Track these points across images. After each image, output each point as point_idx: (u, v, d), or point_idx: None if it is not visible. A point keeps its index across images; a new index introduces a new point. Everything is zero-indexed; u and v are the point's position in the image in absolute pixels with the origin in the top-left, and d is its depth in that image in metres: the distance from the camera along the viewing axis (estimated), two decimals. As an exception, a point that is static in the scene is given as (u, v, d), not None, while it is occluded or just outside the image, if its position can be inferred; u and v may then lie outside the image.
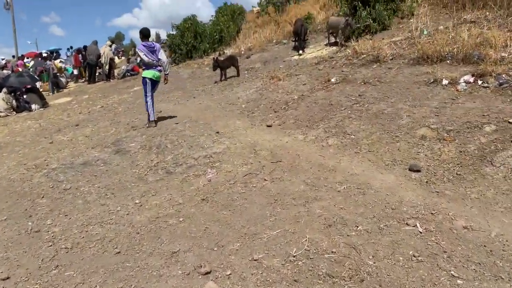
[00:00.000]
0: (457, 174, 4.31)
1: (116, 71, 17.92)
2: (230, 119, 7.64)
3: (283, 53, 13.76)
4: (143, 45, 7.19)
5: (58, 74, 16.86)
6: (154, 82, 7.54)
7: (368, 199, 4.00)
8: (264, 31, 16.85)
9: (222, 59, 13.34)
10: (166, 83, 7.97)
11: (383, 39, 10.91)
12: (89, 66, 16.84)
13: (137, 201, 4.73)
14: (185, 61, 17.08)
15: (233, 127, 7.01)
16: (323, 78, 8.67)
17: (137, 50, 7.64)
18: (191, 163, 5.61)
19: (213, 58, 12.51)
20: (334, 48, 12.27)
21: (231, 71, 12.58)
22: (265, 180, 4.72)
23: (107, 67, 16.96)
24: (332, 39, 13.00)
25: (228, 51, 16.80)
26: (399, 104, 6.23)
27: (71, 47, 22.47)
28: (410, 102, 6.19)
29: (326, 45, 13.03)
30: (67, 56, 21.16)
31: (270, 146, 5.84)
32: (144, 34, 7.24)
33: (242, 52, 15.58)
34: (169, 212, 4.33)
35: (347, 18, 11.66)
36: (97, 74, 17.58)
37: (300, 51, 12.71)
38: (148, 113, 7.74)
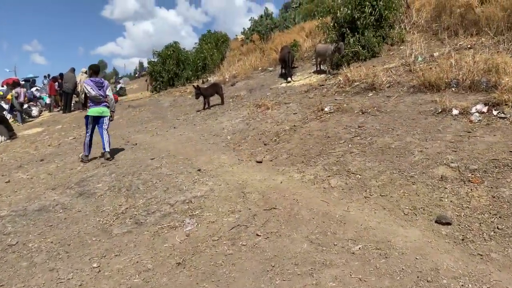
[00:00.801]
0: (497, 228, 3.39)
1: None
2: (214, 153, 6.66)
3: (269, 80, 13.00)
4: (91, 80, 7.06)
5: (23, 103, 15.67)
6: (99, 118, 7.24)
7: (393, 266, 3.03)
8: (249, 58, 16.17)
9: (205, 86, 12.52)
10: (112, 120, 7.58)
11: (374, 66, 10.24)
12: (65, 95, 15.73)
13: (95, 265, 3.64)
14: (166, 89, 16.24)
15: (217, 163, 6.02)
16: (315, 107, 7.84)
17: (84, 84, 7.17)
18: (166, 211, 4.57)
19: (194, 85, 11.64)
20: (323, 76, 11.56)
21: (215, 99, 11.72)
22: (257, 235, 3.71)
23: (83, 95, 15.88)
24: (320, 67, 12.34)
25: (212, 79, 16.01)
26: (406, 137, 5.37)
27: (48, 75, 21.32)
28: (419, 135, 5.34)
29: (313, 72, 12.34)
30: (43, 84, 19.97)
31: (262, 187, 4.86)
32: (94, 70, 7.26)
33: (227, 80, 14.79)
34: (133, 282, 3.27)
35: (337, 42, 11.02)
36: (73, 102, 16.48)
37: (288, 79, 11.96)
38: (84, 148, 7.45)
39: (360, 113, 6.71)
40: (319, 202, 4.27)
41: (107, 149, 7.19)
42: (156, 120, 11.36)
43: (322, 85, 9.78)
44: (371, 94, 7.71)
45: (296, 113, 7.92)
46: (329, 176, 4.87)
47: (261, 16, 20.41)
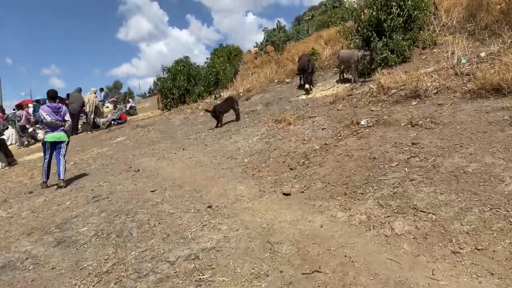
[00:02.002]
0: None
1: (102, 120, 15.78)
2: (228, 181, 5.29)
3: (287, 93, 11.66)
4: (48, 106, 6.84)
5: (25, 125, 14.74)
6: (56, 144, 6.94)
7: None
8: (263, 71, 14.90)
9: (218, 102, 11.33)
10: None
11: (406, 72, 8.85)
12: (71, 116, 14.62)
13: None
14: (177, 106, 15.08)
15: (233, 197, 4.64)
16: (348, 120, 6.45)
17: (40, 110, 6.91)
18: (163, 272, 3.19)
19: (207, 109, 10.45)
20: (348, 85, 10.17)
21: (228, 115, 10.46)
22: (299, 327, 2.31)
23: (92, 115, 14.83)
24: (343, 75, 10.98)
25: (225, 94, 14.77)
26: (485, 156, 3.92)
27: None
28: (502, 153, 3.89)
29: (336, 82, 10.98)
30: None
31: (295, 234, 3.45)
32: (50, 96, 6.99)
33: (241, 94, 13.53)
34: None
35: (369, 50, 9.69)
36: (80, 124, 15.44)
37: (306, 86, 10.63)
38: (42, 175, 7.20)
39: (409, 126, 5.27)
40: (384, 261, 2.84)
41: (62, 177, 6.83)
42: (165, 141, 10.11)
43: (350, 95, 8.39)
44: (415, 103, 6.28)
45: (325, 129, 6.53)
46: (388, 217, 3.43)
47: (274, 29, 19.37)
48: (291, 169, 5.21)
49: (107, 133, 13.44)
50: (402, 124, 5.40)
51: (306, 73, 10.61)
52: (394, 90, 7.21)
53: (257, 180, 5.12)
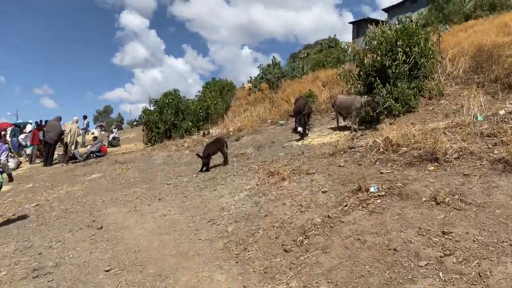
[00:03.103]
0: None
1: (81, 150, 14.52)
2: (205, 264, 4.11)
3: (280, 136, 10.69)
4: None
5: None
6: None
7: None
8: (256, 109, 14.02)
9: (206, 143, 10.29)
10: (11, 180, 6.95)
11: (412, 124, 7.97)
12: (46, 145, 13.41)
13: None
14: (162, 141, 13.95)
15: (208, 292, 3.48)
16: (353, 183, 5.41)
17: None
18: None
19: (198, 154, 9.34)
20: (346, 133, 9.26)
21: (216, 157, 9.38)
22: None
23: (73, 146, 13.61)
24: (342, 122, 10.09)
25: (214, 131, 13.76)
26: (550, 267, 2.86)
27: (41, 121, 19.16)
28: None
29: (334, 128, 10.07)
30: (28, 132, 17.75)
31: None
32: None
33: (231, 133, 12.51)
34: None
35: (374, 95, 8.80)
36: (57, 154, 14.20)
37: (299, 129, 9.62)
38: None
39: (433, 203, 4.23)
40: None
41: None
42: (142, 184, 8.91)
43: (352, 148, 7.39)
44: (432, 168, 5.28)
45: (326, 192, 5.45)
46: None
47: (269, 65, 18.75)
48: (285, 251, 4.07)
49: (83, 168, 12.17)
50: (424, 199, 4.36)
51: (302, 117, 9.65)
52: (405, 149, 6.23)
53: (242, 266, 3.95)
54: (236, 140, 11.50)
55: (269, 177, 6.88)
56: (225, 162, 9.18)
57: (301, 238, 4.23)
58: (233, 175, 7.85)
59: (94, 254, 4.77)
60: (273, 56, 24.08)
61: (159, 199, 7.14)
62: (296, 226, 4.58)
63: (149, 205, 6.87)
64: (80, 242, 5.38)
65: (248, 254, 4.14)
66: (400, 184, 4.94)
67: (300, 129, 9.60)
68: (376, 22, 27.06)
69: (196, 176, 8.62)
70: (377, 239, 3.77)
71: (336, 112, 9.94)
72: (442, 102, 9.15)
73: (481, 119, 6.85)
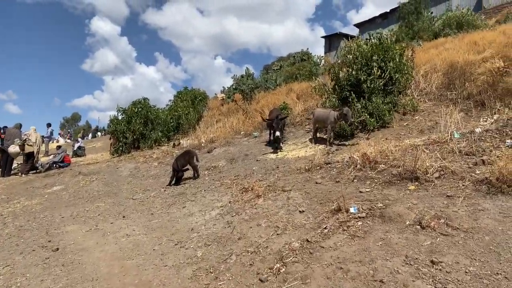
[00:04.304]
0: None
1: (42, 159, 13.62)
2: (171, 296, 3.65)
3: (254, 148, 10.35)
4: None
5: None
6: None
7: None
8: (230, 120, 13.71)
9: (176, 155, 9.82)
10: None
11: (387, 139, 7.85)
12: (5, 154, 12.44)
13: None
14: (129, 152, 13.33)
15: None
16: (332, 202, 5.10)
17: None
18: None
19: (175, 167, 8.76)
20: (322, 147, 9.05)
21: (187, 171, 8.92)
22: None
23: (39, 155, 12.73)
24: (316, 135, 9.87)
25: (185, 142, 13.26)
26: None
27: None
28: None
29: (310, 141, 9.85)
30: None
31: None
32: None
33: (203, 144, 12.12)
34: None
35: (342, 108, 8.64)
36: (16, 164, 13.22)
37: (277, 133, 9.30)
38: None
39: (418, 227, 3.95)
40: None
41: None
42: (106, 198, 8.29)
43: (329, 163, 7.12)
44: (413, 187, 5.05)
45: (303, 212, 5.11)
46: None
47: (242, 76, 18.54)
48: (261, 280, 3.66)
49: (44, 179, 11.33)
50: (408, 223, 4.07)
51: (280, 121, 9.35)
52: (383, 166, 6.00)
53: (213, 299, 3.51)
54: (208, 152, 11.11)
55: (243, 193, 6.49)
56: (196, 176, 8.76)
57: (278, 265, 3.83)
58: (204, 190, 7.42)
59: (45, 283, 4.18)
60: (247, 67, 23.92)
61: (123, 216, 6.58)
62: (273, 251, 4.18)
63: (112, 223, 6.30)
64: (31, 266, 4.76)
65: (220, 285, 3.69)
66: (381, 205, 4.66)
67: (278, 133, 9.24)
68: (347, 37, 27.46)
69: (164, 190, 8.13)
70: (361, 269, 3.43)
71: (314, 125, 9.71)
72: (416, 118, 9.10)
73: (458, 136, 6.75)
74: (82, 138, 20.47)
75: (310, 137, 9.92)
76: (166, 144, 13.97)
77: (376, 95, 9.17)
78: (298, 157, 8.64)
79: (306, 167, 7.18)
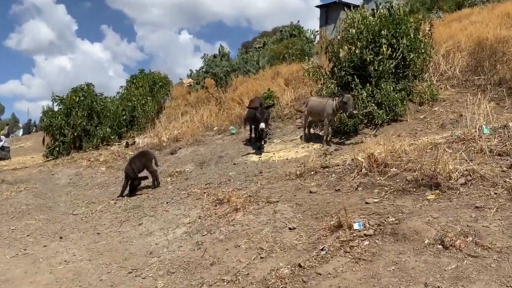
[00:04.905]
0: None
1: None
2: None
3: (231, 149, 10.38)
4: None
5: None
6: None
7: None
8: (199, 112, 13.88)
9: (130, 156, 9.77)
10: None
11: (399, 136, 7.92)
12: None
13: None
14: (69, 154, 13.24)
15: None
16: (330, 216, 5.15)
17: None
18: None
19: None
20: (317, 146, 9.18)
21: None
22: None
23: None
24: (310, 131, 9.97)
25: (142, 140, 13.22)
26: None
27: None
28: None
29: (301, 139, 9.97)
30: None
31: None
32: None
33: (164, 144, 12.14)
34: None
35: (341, 95, 8.63)
36: None
37: (262, 125, 9.22)
38: None
39: (440, 247, 3.98)
40: None
41: None
42: (38, 213, 8.17)
43: (326, 167, 7.16)
44: (433, 196, 5.12)
45: (294, 229, 5.13)
46: None
47: (215, 56, 18.55)
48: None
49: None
50: (427, 242, 4.11)
51: (264, 109, 9.35)
52: (395, 170, 6.05)
53: None
54: (172, 154, 11.16)
55: (216, 206, 6.50)
56: (155, 184, 8.74)
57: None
58: (167, 203, 7.43)
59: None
60: (220, 45, 23.89)
61: (61, 237, 6.54)
62: (256, 279, 4.16)
63: (45, 246, 6.25)
64: None
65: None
66: (393, 219, 4.70)
67: (262, 125, 9.14)
68: (349, 6, 27.70)
69: (115, 203, 8.12)
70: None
71: (306, 118, 9.75)
72: (436, 109, 9.27)
73: (488, 132, 6.88)
74: (7, 136, 20.05)
75: (302, 134, 10.02)
76: (116, 143, 13.92)
77: (385, 80, 9.26)
78: (287, 159, 8.71)
79: (298, 172, 7.22)
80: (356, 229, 4.66)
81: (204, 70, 17.34)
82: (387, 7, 10.24)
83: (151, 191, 8.42)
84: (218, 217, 6.05)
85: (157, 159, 9.00)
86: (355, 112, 8.65)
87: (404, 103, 9.24)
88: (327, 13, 31.32)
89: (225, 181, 7.88)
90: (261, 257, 4.59)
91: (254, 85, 14.09)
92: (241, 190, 6.97)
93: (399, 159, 6.26)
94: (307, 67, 10.85)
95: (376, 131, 8.94)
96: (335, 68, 10.03)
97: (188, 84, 18.68)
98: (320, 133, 9.65)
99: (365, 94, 9.18)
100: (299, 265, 4.22)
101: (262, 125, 9.21)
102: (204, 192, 7.43)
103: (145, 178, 8.73)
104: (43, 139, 14.85)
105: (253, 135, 10.38)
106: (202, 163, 9.74)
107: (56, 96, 14.07)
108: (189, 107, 15.57)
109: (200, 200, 7.07)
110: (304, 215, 5.44)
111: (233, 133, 11.64)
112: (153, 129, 13.92)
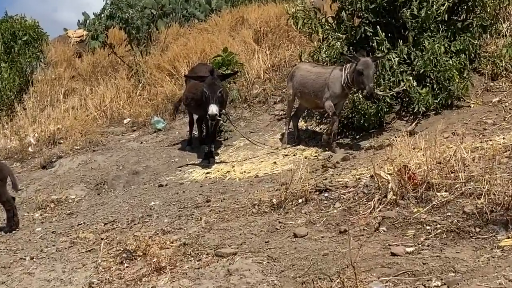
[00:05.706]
0: None
1: None
2: None
3: (154, 157, 10.63)
4: None
5: None
6: None
7: None
8: (97, 91, 13.96)
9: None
10: None
11: (453, 133, 8.28)
12: None
13: None
14: None
15: None
16: (329, 280, 5.28)
17: None
18: None
19: None
20: (311, 151, 9.30)
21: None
22: None
23: None
24: (302, 124, 10.16)
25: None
26: None
27: None
28: None
29: (281, 138, 10.24)
30: None
31: None
32: None
33: (31, 149, 12.19)
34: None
35: (356, 59, 8.72)
36: None
37: (213, 108, 9.20)
38: None
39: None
40: None
41: None
42: None
43: (325, 190, 7.38)
44: (509, 242, 5.32)
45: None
46: None
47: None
48: None
49: None
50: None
51: (213, 100, 9.41)
52: (445, 194, 6.25)
53: None
54: (45, 167, 11.24)
55: (123, 263, 6.57)
56: (11, 224, 8.74)
57: None
58: (31, 259, 7.46)
59: None
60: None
61: None
62: None
63: None
64: None
65: None
66: (440, 284, 4.85)
67: (213, 109, 9.05)
68: None
69: None
70: None
71: (291, 102, 9.92)
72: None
73: None
74: None
75: (284, 130, 10.23)
76: None
77: (432, 35, 9.47)
78: (257, 176, 8.90)
79: (274, 201, 7.40)
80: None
81: (107, 13, 17.41)
82: None
83: (2, 237, 8.42)
84: (125, 283, 6.13)
85: (15, 178, 9.02)
86: (378, 91, 8.80)
87: (465, 75, 9.45)
88: None
89: (142, 218, 8.03)
90: None
91: (200, 42, 14.30)
92: (170, 234, 7.10)
93: (452, 175, 6.45)
94: (293, 9, 11.02)
95: (415, 125, 9.12)
96: (344, 12, 10.24)
97: (79, 40, 18.78)
98: (317, 129, 9.82)
99: (396, 58, 9.35)
100: None
101: (214, 108, 9.19)
102: (102, 239, 7.54)
103: None
104: None
105: (195, 133, 10.48)
106: (100, 185, 9.90)
107: None
108: (80, 81, 15.77)
109: (94, 253, 7.14)
110: (282, 279, 5.55)
111: (159, 129, 11.79)
112: (10, 122, 14.03)
